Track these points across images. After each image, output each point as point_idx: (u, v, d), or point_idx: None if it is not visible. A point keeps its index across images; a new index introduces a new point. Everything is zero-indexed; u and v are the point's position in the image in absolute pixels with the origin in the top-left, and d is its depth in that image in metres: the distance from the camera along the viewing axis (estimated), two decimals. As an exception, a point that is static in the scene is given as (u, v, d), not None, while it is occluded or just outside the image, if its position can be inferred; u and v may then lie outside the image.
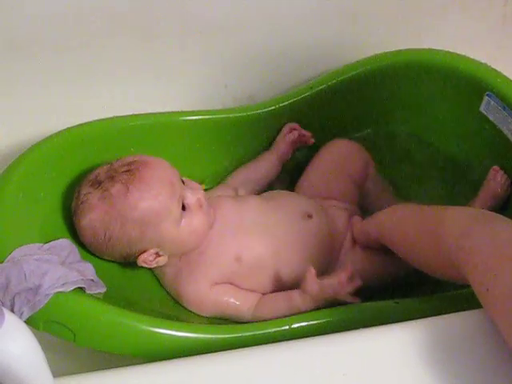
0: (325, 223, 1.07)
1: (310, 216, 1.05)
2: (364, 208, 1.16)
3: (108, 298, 0.88)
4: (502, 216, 0.76)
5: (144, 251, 0.97)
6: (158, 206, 0.94)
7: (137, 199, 0.93)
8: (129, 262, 1.00)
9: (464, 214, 0.80)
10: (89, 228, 0.95)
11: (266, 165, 1.18)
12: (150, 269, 1.02)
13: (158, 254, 0.98)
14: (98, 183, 0.95)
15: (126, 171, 0.95)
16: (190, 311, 1.00)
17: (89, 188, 0.96)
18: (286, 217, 1.05)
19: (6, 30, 1.02)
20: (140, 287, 1.02)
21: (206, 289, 0.99)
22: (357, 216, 1.09)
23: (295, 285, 0.98)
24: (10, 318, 0.55)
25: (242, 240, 1.01)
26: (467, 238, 0.73)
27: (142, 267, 0.99)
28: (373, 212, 1.03)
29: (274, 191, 1.15)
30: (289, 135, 1.18)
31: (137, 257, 0.97)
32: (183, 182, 0.99)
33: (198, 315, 0.99)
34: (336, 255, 1.07)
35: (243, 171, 1.18)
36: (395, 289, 1.01)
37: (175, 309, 1.01)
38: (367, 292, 0.97)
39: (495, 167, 1.10)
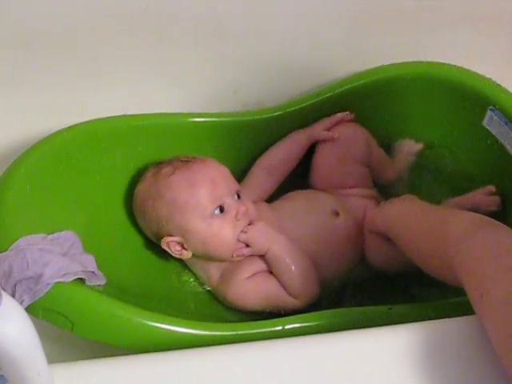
0: (350, 218, 1.11)
1: (337, 214, 1.10)
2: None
3: (108, 290, 0.89)
4: (504, 225, 0.76)
5: (170, 235, 1.01)
6: (189, 196, 0.99)
7: (175, 181, 1.00)
8: (158, 243, 1.04)
9: (469, 218, 0.80)
10: (135, 197, 1.06)
11: (297, 146, 1.19)
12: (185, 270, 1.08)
13: (183, 246, 1.01)
14: (159, 163, 1.06)
15: (184, 161, 1.03)
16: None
17: (153, 166, 1.06)
18: (319, 217, 1.09)
19: (16, 28, 1.04)
20: (141, 282, 1.03)
21: (246, 279, 1.02)
22: (370, 204, 1.12)
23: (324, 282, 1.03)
24: (8, 300, 0.56)
25: None
26: (467, 243, 0.74)
27: (153, 260, 1.06)
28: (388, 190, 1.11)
29: (300, 191, 1.17)
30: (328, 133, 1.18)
31: (163, 237, 1.01)
32: (238, 197, 1.03)
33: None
34: (362, 246, 1.11)
35: (273, 153, 1.19)
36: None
37: (178, 306, 1.04)
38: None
39: (492, 187, 1.11)
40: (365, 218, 1.11)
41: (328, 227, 1.09)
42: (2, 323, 0.55)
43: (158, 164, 1.05)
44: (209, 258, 1.04)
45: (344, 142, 1.17)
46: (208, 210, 0.99)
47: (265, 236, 1.01)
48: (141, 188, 1.05)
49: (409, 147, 1.24)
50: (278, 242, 1.02)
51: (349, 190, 1.16)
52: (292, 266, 1.00)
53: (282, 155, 1.18)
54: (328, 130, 1.18)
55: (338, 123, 1.19)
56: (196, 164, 1.02)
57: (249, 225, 1.02)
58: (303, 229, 1.08)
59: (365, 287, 1.10)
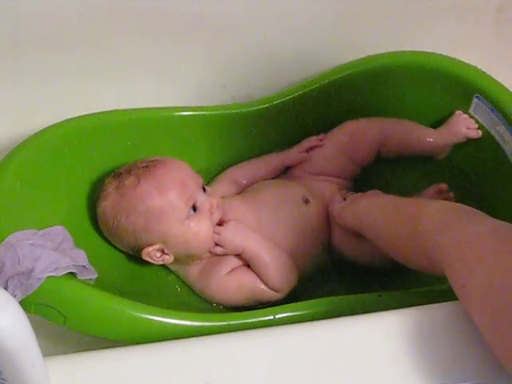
0: (319, 204, 1.11)
1: (306, 201, 1.10)
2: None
3: (99, 284, 0.90)
4: (478, 211, 0.77)
5: (149, 245, 1.00)
6: (163, 202, 0.98)
7: (144, 192, 0.98)
8: (137, 255, 1.03)
9: (441, 209, 0.80)
10: (101, 214, 1.02)
11: (268, 167, 1.21)
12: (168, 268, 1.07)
13: (163, 252, 1.01)
14: (118, 175, 1.01)
15: (144, 167, 1.00)
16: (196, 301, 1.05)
17: (111, 178, 1.02)
18: (291, 206, 1.10)
19: (10, 27, 1.04)
20: (131, 276, 1.04)
21: (226, 275, 1.02)
22: (337, 194, 1.11)
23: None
24: (1, 293, 0.57)
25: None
26: (444, 234, 0.74)
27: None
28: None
29: (267, 181, 1.18)
30: (301, 154, 1.19)
31: (142, 249, 1.00)
32: (204, 189, 1.03)
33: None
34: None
35: (245, 167, 1.21)
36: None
37: (168, 297, 1.05)
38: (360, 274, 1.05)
39: (443, 185, 1.13)
40: (331, 211, 1.09)
41: (300, 215, 1.09)
42: (-5, 316, 0.56)
43: (116, 176, 1.02)
44: (189, 257, 1.03)
45: (352, 142, 1.17)
46: (184, 212, 0.99)
47: (238, 237, 1.02)
48: (107, 205, 1.01)
49: (462, 127, 1.15)
50: (252, 241, 1.02)
51: (320, 177, 1.18)
52: (269, 263, 1.01)
53: (252, 173, 1.20)
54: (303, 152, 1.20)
55: (310, 148, 1.19)
56: (158, 168, 1.00)
57: (220, 224, 1.03)
58: (277, 219, 1.07)
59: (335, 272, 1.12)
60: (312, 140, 1.20)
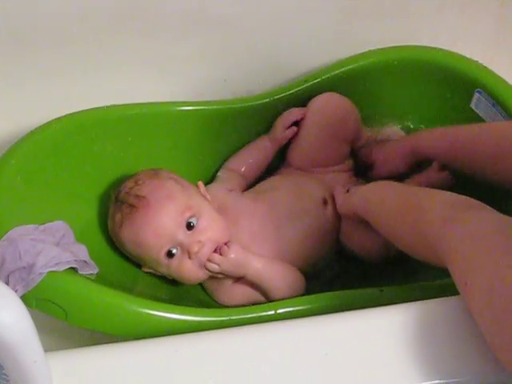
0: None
1: (325, 202, 1.09)
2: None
3: (100, 279, 0.89)
4: (484, 205, 0.76)
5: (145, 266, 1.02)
6: (141, 251, 0.98)
7: (124, 238, 0.98)
8: None
9: (447, 201, 0.79)
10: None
11: (263, 151, 1.20)
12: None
13: None
14: (116, 200, 1.00)
15: (131, 205, 0.97)
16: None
17: (113, 196, 1.02)
18: (311, 211, 1.09)
19: (11, 23, 1.04)
20: (132, 270, 1.03)
21: (233, 283, 1.01)
22: (339, 187, 1.10)
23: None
24: (2, 288, 0.57)
25: (271, 247, 1.04)
26: (448, 228, 0.73)
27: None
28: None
29: (285, 177, 1.17)
30: (288, 131, 1.17)
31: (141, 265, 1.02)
32: (191, 226, 0.97)
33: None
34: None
35: (240, 157, 1.19)
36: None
37: (167, 292, 1.04)
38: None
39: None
40: (336, 202, 1.08)
41: (319, 220, 1.08)
42: (-4, 311, 0.55)
43: (116, 197, 1.00)
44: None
45: (336, 122, 1.15)
46: (161, 259, 0.97)
47: (238, 267, 0.98)
48: (108, 225, 1.02)
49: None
50: (254, 268, 0.98)
51: (328, 168, 1.17)
52: (273, 286, 0.99)
53: (249, 161, 1.19)
54: (288, 127, 1.17)
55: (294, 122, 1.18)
56: (139, 212, 0.95)
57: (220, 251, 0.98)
58: (295, 225, 1.06)
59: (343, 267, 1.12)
60: (293, 112, 1.18)
